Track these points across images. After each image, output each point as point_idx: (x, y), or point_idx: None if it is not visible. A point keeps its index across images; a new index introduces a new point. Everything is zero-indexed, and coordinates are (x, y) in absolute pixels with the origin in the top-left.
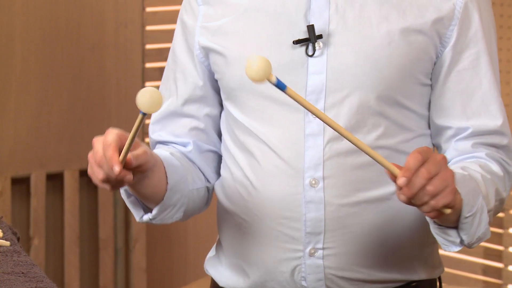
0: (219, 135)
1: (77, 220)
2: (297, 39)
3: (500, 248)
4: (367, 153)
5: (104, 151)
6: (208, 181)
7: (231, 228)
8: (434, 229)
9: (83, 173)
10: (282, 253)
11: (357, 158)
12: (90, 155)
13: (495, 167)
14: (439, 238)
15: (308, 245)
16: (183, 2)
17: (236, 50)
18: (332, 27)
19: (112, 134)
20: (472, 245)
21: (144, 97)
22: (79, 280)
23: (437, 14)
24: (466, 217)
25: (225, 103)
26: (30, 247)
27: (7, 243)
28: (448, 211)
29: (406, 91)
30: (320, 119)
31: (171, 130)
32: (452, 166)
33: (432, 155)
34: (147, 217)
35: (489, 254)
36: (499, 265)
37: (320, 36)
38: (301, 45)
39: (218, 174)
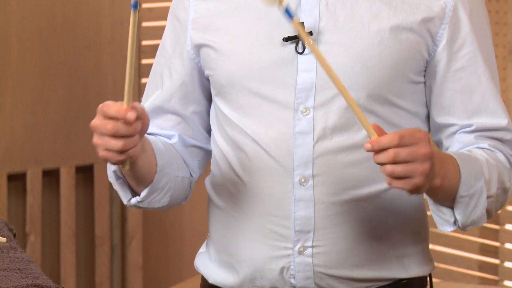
0: (207, 131)
1: (73, 216)
2: (287, 36)
3: (497, 244)
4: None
5: (109, 110)
6: (191, 174)
7: (221, 224)
8: (430, 206)
9: (79, 170)
10: (271, 251)
11: (346, 156)
12: (93, 122)
13: (501, 156)
14: (434, 216)
15: (297, 243)
16: None
17: (227, 46)
18: (323, 24)
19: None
20: (465, 228)
21: None
22: (75, 277)
23: (428, 13)
24: (462, 196)
25: (215, 99)
26: (26, 243)
27: (4, 239)
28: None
29: (397, 90)
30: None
31: (157, 124)
32: (458, 150)
33: (416, 142)
34: (135, 200)
35: (485, 250)
36: (495, 261)
37: (310, 34)
38: (291, 43)
39: (202, 170)
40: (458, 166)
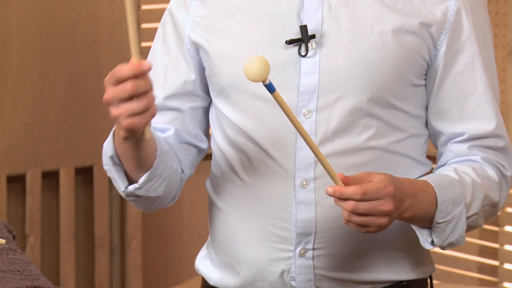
0: (202, 130)
1: (73, 218)
2: (289, 39)
3: (496, 246)
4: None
5: (122, 72)
6: (182, 171)
7: (222, 226)
8: (412, 225)
9: (79, 171)
10: (272, 253)
11: (348, 159)
12: (107, 95)
13: (491, 171)
14: (416, 232)
15: (298, 245)
16: None
17: (228, 48)
18: (325, 27)
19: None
20: (443, 248)
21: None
22: (75, 278)
23: (430, 17)
24: (439, 223)
25: (215, 100)
26: (26, 245)
27: (3, 241)
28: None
29: (398, 93)
30: (298, 131)
31: (154, 120)
32: (446, 167)
33: (379, 198)
34: (132, 187)
35: (484, 252)
36: (495, 263)
37: (313, 36)
38: (294, 45)
39: (192, 169)
40: (435, 194)
